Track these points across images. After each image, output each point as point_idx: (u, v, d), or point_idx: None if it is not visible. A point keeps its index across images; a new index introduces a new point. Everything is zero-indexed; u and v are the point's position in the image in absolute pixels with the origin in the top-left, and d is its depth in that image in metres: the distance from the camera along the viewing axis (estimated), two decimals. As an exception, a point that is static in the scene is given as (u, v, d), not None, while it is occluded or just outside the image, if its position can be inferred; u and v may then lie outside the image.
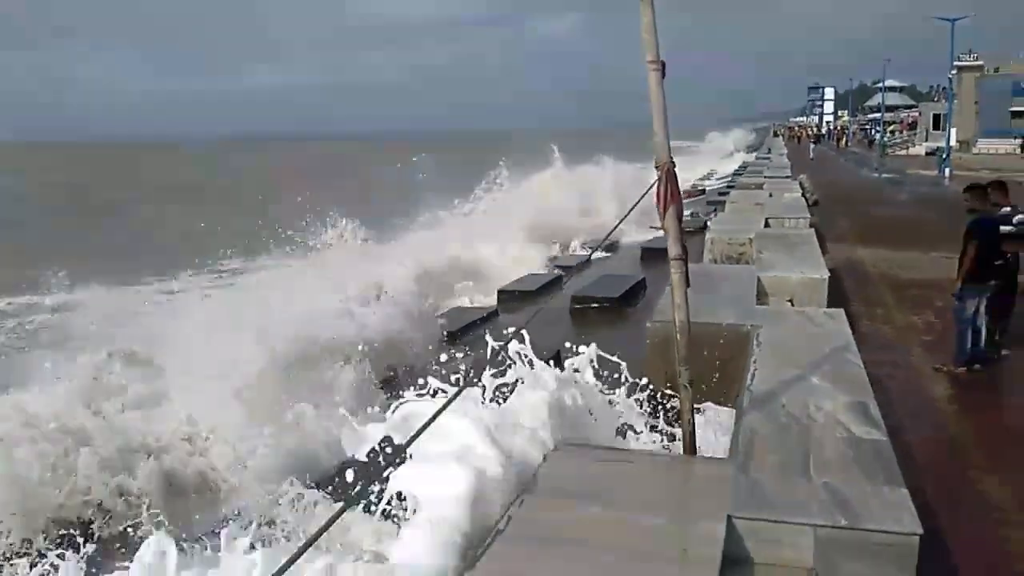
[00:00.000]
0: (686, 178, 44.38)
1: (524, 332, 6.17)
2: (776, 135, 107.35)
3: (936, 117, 69.90)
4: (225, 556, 4.89)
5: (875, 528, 4.31)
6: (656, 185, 5.09)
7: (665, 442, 7.04)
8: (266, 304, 13.78)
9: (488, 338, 6.58)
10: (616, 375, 7.38)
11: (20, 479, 8.07)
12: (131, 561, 4.94)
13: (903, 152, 69.85)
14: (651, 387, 7.40)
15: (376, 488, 5.08)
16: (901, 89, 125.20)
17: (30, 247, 29.94)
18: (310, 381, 10.44)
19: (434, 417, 3.40)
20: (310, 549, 2.75)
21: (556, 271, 19.48)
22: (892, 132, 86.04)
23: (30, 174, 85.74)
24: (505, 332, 6.50)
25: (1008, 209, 10.41)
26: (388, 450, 5.54)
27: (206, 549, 5.24)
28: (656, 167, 5.10)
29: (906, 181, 41.59)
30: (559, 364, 7.17)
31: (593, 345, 7.28)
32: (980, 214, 9.78)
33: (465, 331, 13.54)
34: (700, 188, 41.19)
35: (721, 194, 31.42)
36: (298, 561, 2.61)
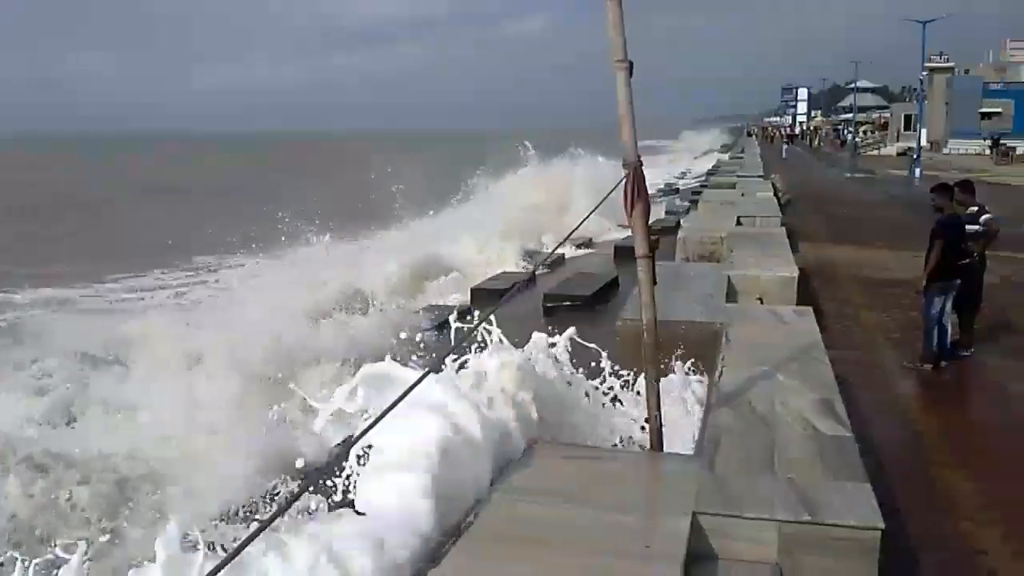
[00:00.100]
0: (660, 176, 44.69)
1: (492, 318, 6.17)
2: (750, 135, 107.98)
3: (907, 118, 70.68)
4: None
5: (837, 522, 4.36)
6: (623, 184, 5.12)
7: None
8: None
9: (453, 325, 6.54)
10: (592, 363, 7.42)
11: None
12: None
13: (875, 152, 70.51)
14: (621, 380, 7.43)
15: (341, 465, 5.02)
16: (873, 90, 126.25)
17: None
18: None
19: (403, 396, 3.39)
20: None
21: (529, 269, 19.49)
22: (864, 132, 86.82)
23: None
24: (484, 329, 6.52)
25: (974, 209, 10.55)
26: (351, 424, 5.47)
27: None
28: (624, 166, 5.13)
29: (877, 181, 42.00)
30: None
31: (572, 329, 7.26)
32: (946, 214, 9.91)
33: (438, 329, 13.54)
34: (675, 187, 41.41)
35: (695, 193, 31.61)
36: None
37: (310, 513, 4.87)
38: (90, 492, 8.06)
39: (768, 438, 5.47)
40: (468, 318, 14.23)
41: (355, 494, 4.88)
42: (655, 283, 5.37)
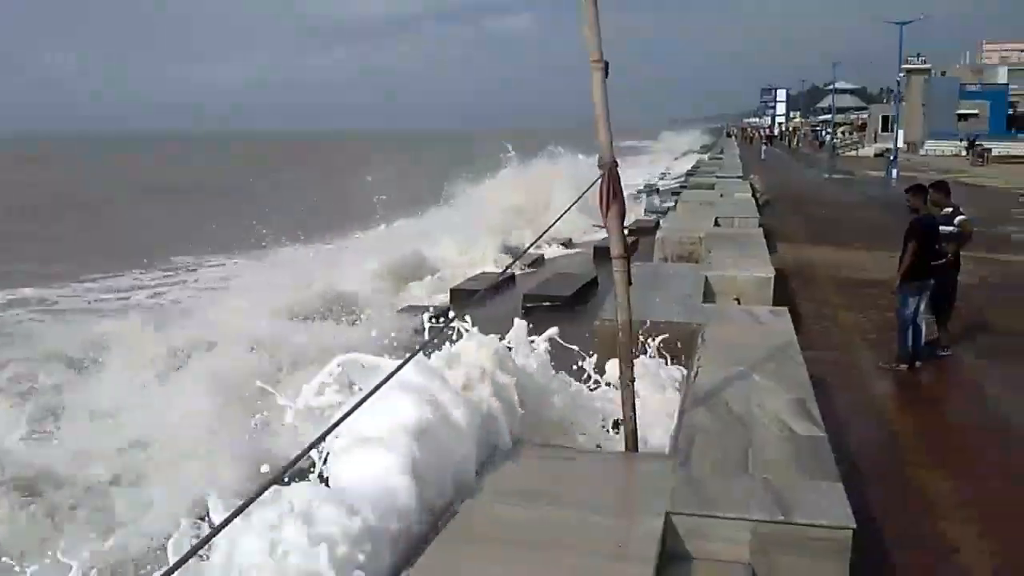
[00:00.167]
0: (641, 176, 44.82)
1: (468, 318, 6.16)
2: (729, 136, 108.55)
3: (885, 119, 71.14)
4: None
5: (809, 522, 4.38)
6: (599, 184, 5.12)
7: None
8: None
9: (426, 325, 6.53)
10: (573, 365, 7.43)
11: None
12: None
13: (853, 153, 71.02)
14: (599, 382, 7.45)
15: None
16: (852, 91, 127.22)
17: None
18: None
19: (378, 387, 3.37)
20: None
21: (511, 269, 19.48)
22: (842, 133, 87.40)
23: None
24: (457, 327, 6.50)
25: (949, 210, 10.62)
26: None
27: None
28: (599, 166, 5.14)
29: (855, 182, 42.29)
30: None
31: (554, 328, 7.26)
32: (920, 214, 9.98)
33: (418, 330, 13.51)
34: (655, 187, 41.53)
35: (674, 193, 31.72)
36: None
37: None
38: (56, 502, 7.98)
39: (743, 438, 5.49)
40: (442, 320, 14.32)
41: (329, 472, 4.82)
42: (631, 283, 5.38)
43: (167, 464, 8.47)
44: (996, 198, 32.22)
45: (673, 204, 24.71)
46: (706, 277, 11.34)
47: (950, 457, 7.57)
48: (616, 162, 5.16)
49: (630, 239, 20.08)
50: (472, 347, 5.97)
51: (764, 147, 69.82)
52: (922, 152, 64.97)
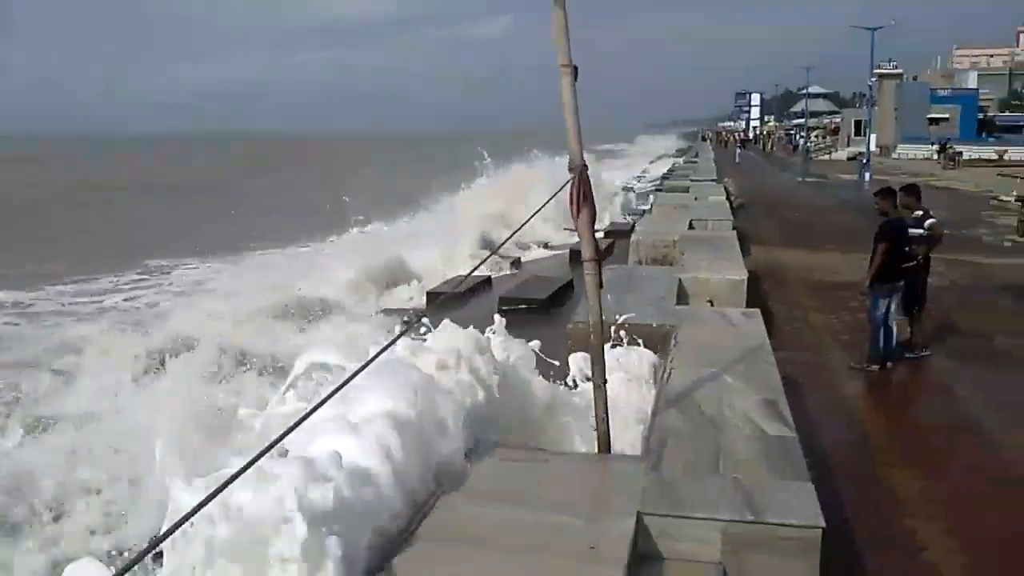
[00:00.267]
0: (620, 178, 44.99)
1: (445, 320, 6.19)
2: (704, 139, 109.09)
3: (857, 123, 71.74)
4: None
5: (779, 522, 4.41)
6: (569, 187, 5.14)
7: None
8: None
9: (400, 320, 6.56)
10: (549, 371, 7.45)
11: None
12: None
13: (826, 157, 71.50)
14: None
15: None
16: (825, 95, 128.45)
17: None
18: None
19: (346, 381, 3.37)
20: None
21: (486, 272, 19.46)
22: (816, 137, 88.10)
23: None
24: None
25: (920, 213, 10.74)
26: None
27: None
28: (569, 170, 5.16)
29: (828, 185, 42.63)
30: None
31: (536, 342, 7.28)
32: (890, 217, 10.10)
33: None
34: (632, 189, 41.74)
35: (650, 193, 31.85)
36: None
37: None
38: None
39: (714, 439, 5.52)
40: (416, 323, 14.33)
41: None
42: (602, 286, 5.41)
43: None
44: (966, 201, 32.61)
45: (649, 207, 24.79)
46: (680, 279, 11.39)
47: (920, 457, 7.67)
48: (586, 165, 5.19)
49: (606, 241, 20.35)
50: (445, 335, 6.00)
51: (739, 151, 70.19)
52: (894, 156, 65.55)
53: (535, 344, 7.15)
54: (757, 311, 9.44)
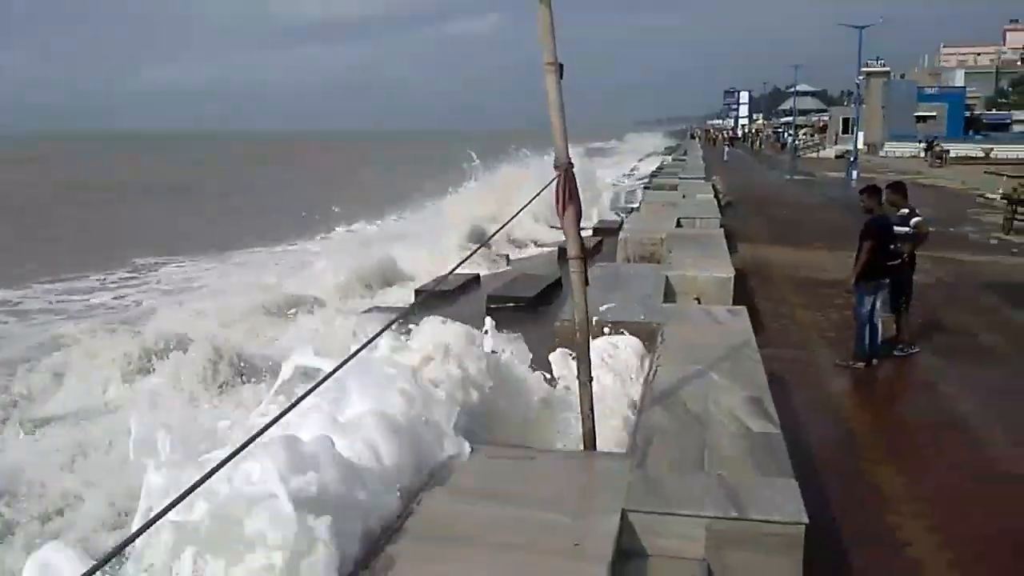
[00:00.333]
0: (611, 176, 45.06)
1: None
2: (693, 137, 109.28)
3: (845, 121, 71.96)
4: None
5: (763, 518, 4.44)
6: (555, 185, 5.15)
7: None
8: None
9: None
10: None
11: None
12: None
13: (814, 155, 71.72)
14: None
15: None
16: (813, 93, 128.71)
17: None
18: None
19: (326, 378, 3.37)
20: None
21: (471, 263, 19.41)
22: (804, 135, 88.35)
23: None
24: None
25: (906, 211, 10.78)
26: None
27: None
28: (555, 167, 5.17)
29: (816, 183, 42.73)
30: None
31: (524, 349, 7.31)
32: (875, 215, 10.14)
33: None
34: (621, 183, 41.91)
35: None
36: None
37: None
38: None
39: (700, 436, 5.55)
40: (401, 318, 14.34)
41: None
42: (587, 283, 5.42)
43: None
44: (953, 199, 32.77)
45: (637, 205, 24.83)
46: (667, 277, 11.42)
47: (905, 454, 7.70)
48: (572, 163, 5.20)
49: (595, 239, 20.36)
50: (433, 330, 6.01)
51: (727, 148, 70.32)
52: (882, 154, 65.81)
53: (522, 350, 7.18)
54: (743, 309, 9.47)
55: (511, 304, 14.39)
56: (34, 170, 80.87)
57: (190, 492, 2.30)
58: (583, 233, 5.73)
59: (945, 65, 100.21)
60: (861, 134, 54.54)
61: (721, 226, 18.12)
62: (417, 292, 16.63)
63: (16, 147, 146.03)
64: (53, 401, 10.79)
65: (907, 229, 10.55)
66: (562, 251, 19.54)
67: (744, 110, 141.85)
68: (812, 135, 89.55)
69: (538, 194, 5.60)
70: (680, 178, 32.89)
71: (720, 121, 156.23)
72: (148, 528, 2.31)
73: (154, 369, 11.37)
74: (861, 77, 57.22)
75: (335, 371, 3.26)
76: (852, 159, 45.68)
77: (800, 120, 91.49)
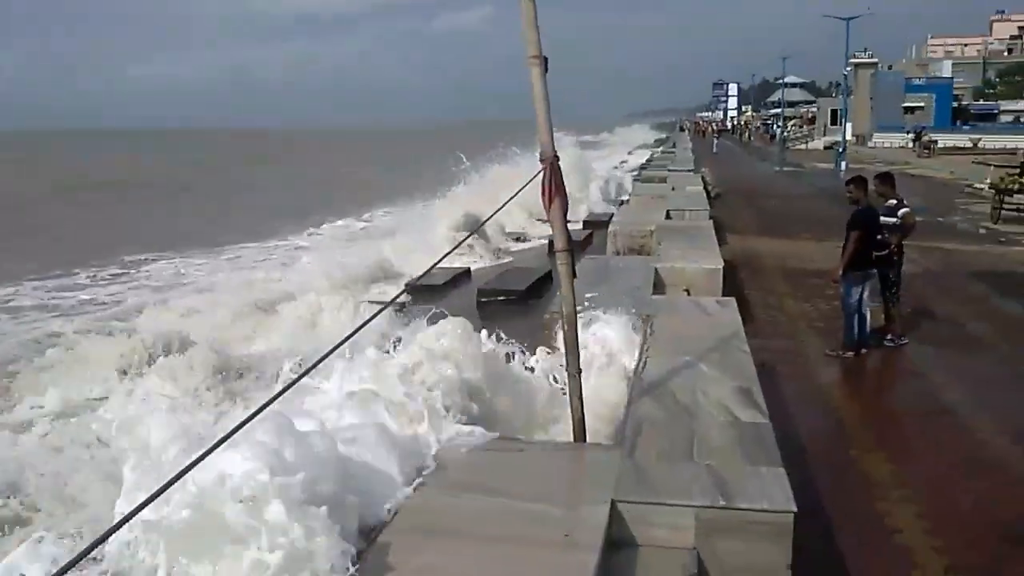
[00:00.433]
0: (602, 168, 44.99)
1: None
2: (682, 129, 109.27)
3: (834, 112, 71.98)
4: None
5: (751, 507, 4.47)
6: (541, 179, 5.16)
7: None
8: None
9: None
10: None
11: None
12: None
13: (802, 146, 71.75)
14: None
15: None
16: (801, 85, 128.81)
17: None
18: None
19: (316, 364, 3.38)
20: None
21: (468, 262, 19.42)
22: (792, 127, 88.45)
23: None
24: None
25: (894, 201, 10.81)
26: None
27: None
28: (541, 160, 5.18)
29: (805, 174, 42.79)
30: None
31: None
32: (862, 205, 10.18)
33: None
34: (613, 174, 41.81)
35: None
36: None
37: None
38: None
39: (689, 427, 5.57)
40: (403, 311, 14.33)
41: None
42: (575, 276, 5.44)
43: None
44: (941, 189, 32.86)
45: (626, 197, 24.84)
46: (656, 269, 11.45)
47: (894, 442, 7.75)
48: (557, 156, 5.20)
49: (585, 232, 20.36)
50: (421, 338, 6.04)
51: (716, 140, 70.36)
52: (870, 144, 65.90)
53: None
54: (732, 299, 9.50)
55: (501, 297, 14.41)
56: (23, 168, 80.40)
57: (168, 487, 2.31)
58: (573, 226, 5.76)
59: (932, 56, 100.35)
60: (849, 125, 54.66)
61: (710, 218, 18.17)
62: (407, 285, 16.62)
63: (4, 146, 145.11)
64: (42, 399, 10.75)
65: (894, 220, 10.59)
66: (550, 244, 19.60)
67: (733, 102, 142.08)
68: (801, 126, 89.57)
69: (524, 187, 5.60)
70: (669, 170, 32.89)
71: (709, 113, 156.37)
72: (123, 525, 2.31)
73: (146, 368, 11.34)
74: (849, 68, 57.36)
75: (325, 357, 3.27)
76: (840, 150, 45.74)
77: (789, 112, 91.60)
